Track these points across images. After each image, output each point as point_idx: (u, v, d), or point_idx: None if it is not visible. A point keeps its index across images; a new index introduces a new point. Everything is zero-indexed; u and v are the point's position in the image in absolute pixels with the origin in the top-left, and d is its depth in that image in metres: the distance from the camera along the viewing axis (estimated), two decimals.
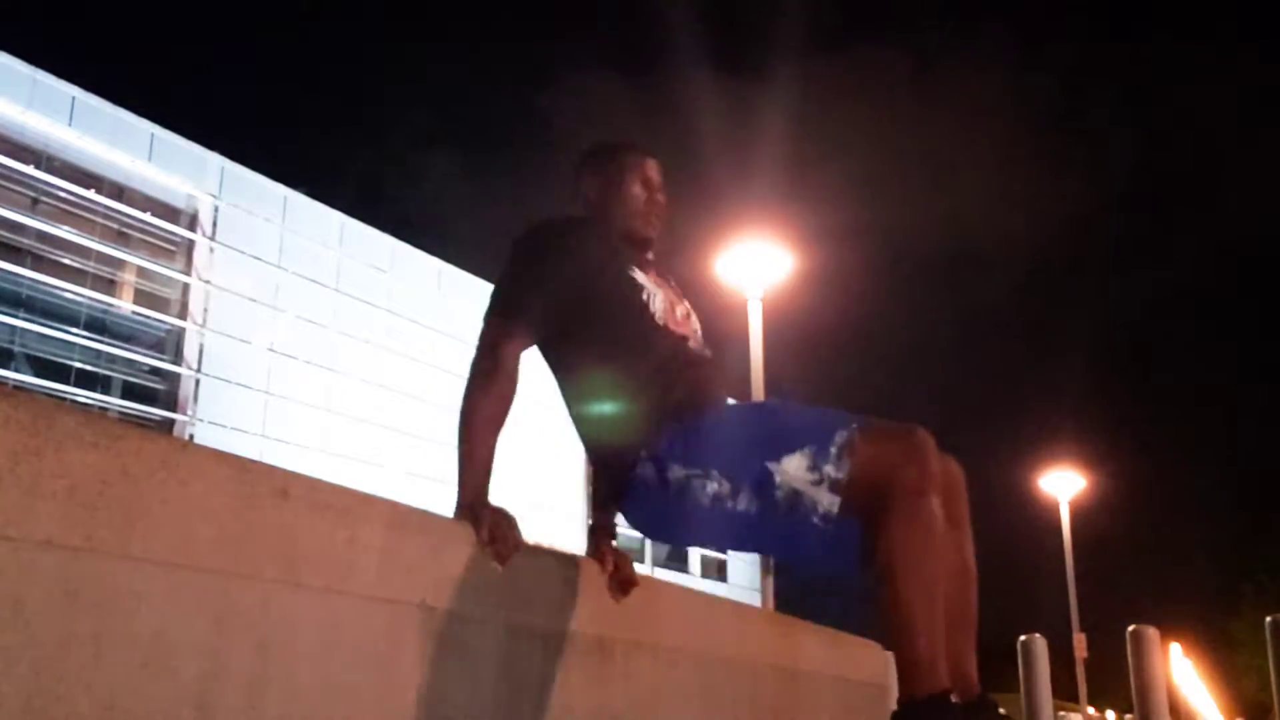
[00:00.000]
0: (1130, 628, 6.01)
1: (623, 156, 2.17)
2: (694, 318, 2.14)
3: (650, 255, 2.15)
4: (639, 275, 2.02)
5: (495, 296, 1.95)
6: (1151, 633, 5.96)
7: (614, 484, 1.98)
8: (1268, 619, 5.25)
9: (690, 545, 2.14)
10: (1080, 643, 21.28)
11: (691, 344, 2.05)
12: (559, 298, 1.93)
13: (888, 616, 1.72)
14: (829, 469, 1.75)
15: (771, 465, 1.77)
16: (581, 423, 2.02)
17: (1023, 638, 7.18)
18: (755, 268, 12.49)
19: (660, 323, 1.99)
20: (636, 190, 2.13)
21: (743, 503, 1.79)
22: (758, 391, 11.86)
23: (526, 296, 1.93)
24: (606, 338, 1.96)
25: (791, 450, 1.77)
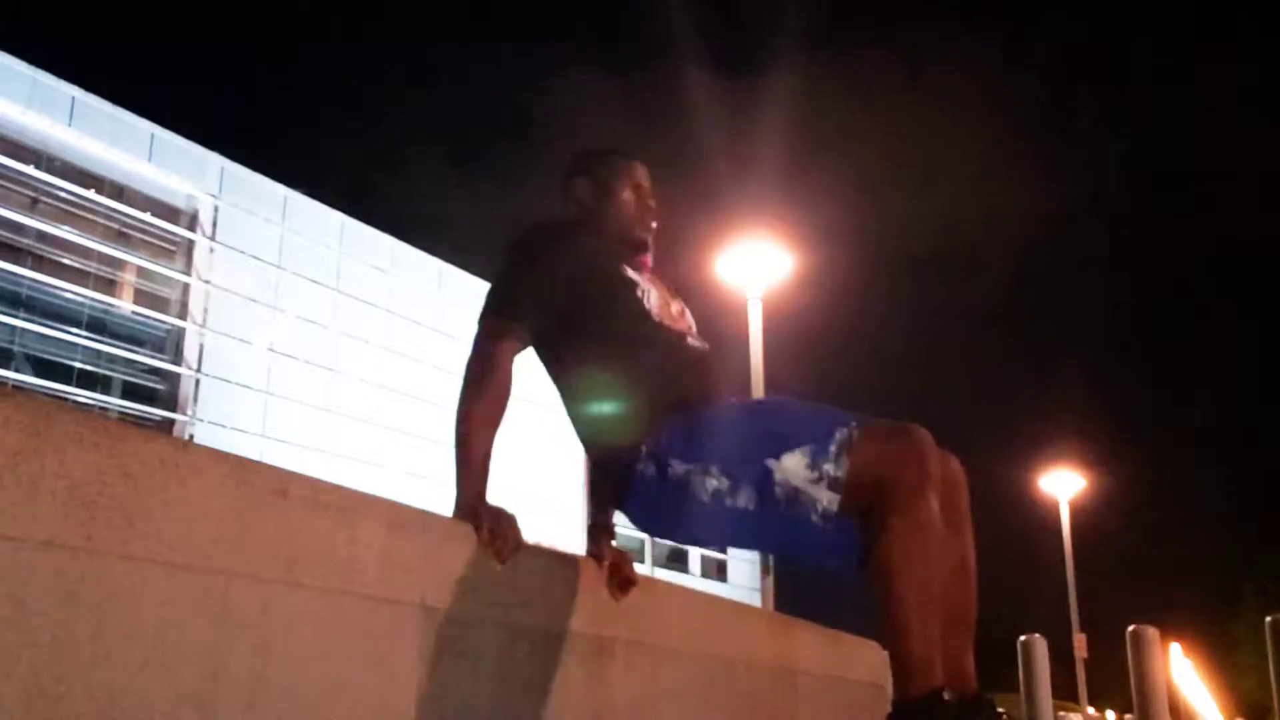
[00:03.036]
0: (1130, 628, 6.01)
1: (612, 162, 2.20)
2: (688, 314, 2.15)
3: (643, 257, 2.16)
4: (632, 273, 2.03)
5: (490, 297, 1.96)
6: (1151, 633, 5.97)
7: (614, 481, 1.99)
8: (1268, 619, 5.25)
9: (689, 542, 2.16)
10: (1080, 643, 21.28)
11: (689, 339, 2.05)
12: (554, 298, 1.94)
13: (883, 615, 1.72)
14: (828, 467, 1.75)
15: (771, 463, 1.78)
16: (580, 421, 2.02)
17: (1023, 638, 7.18)
18: (755, 268, 12.49)
19: (656, 319, 2.00)
20: (627, 195, 2.16)
21: (742, 499, 1.79)
22: (758, 391, 11.86)
23: (521, 297, 1.93)
24: (603, 335, 1.96)
25: (791, 448, 1.78)
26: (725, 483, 1.80)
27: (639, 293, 2.00)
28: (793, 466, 1.77)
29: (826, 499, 1.75)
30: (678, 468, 1.83)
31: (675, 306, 2.11)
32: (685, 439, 1.85)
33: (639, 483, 1.89)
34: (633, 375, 1.94)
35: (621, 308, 1.98)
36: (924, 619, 1.69)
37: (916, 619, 1.69)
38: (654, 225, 2.19)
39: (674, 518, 1.91)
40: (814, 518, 1.75)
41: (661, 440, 1.86)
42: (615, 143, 2.37)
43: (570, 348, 1.99)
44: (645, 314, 1.99)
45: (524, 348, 1.94)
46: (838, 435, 1.77)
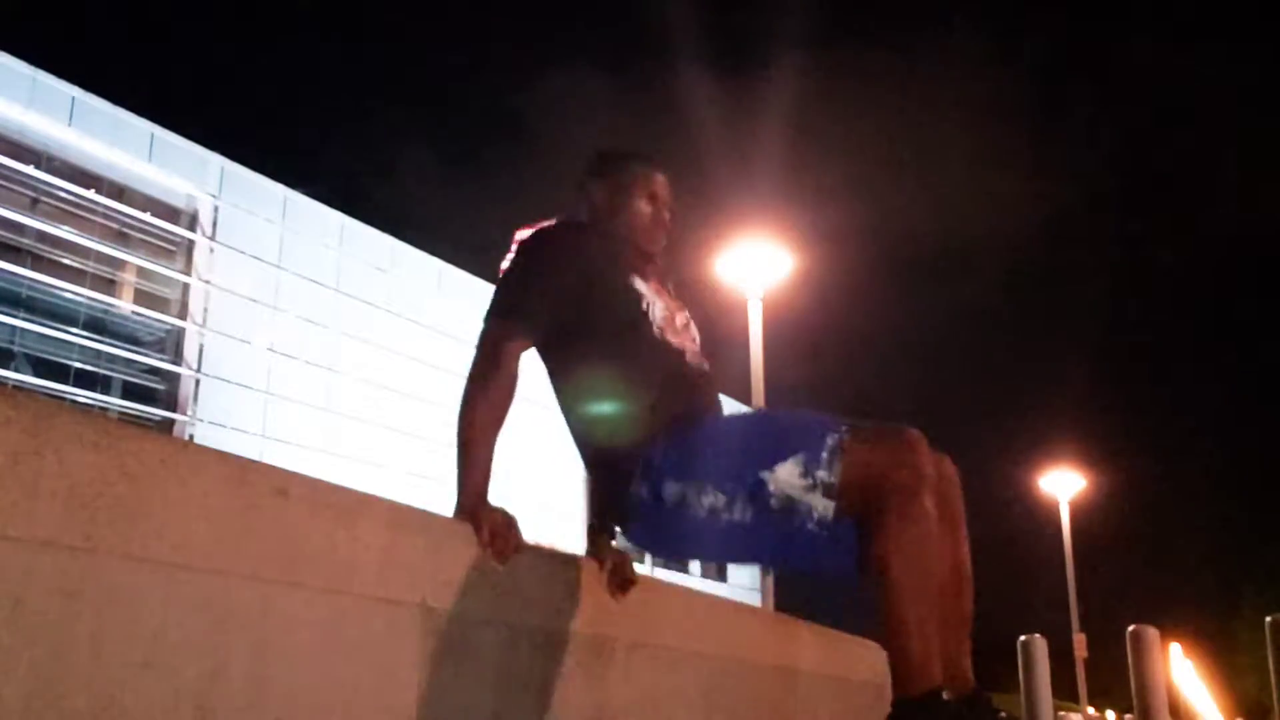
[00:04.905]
0: (1130, 628, 6.01)
1: (632, 168, 2.15)
2: (693, 327, 2.13)
3: (654, 267, 2.14)
4: (639, 284, 2.01)
5: (497, 297, 1.95)
6: (1151, 633, 5.97)
7: (609, 496, 1.98)
8: (1268, 619, 5.24)
9: (691, 559, 2.15)
10: (1080, 643, 21.29)
11: (689, 357, 2.03)
12: (560, 302, 1.93)
13: (883, 615, 1.72)
14: (821, 474, 1.75)
15: (764, 474, 1.77)
16: (577, 428, 2.02)
17: (1023, 638, 7.18)
18: (755, 268, 12.50)
19: (658, 334, 1.98)
20: (643, 205, 2.11)
21: (738, 513, 1.79)
22: (758, 391, 11.87)
23: (528, 298, 1.92)
24: (604, 345, 1.95)
25: (783, 458, 1.77)
26: (721, 498, 1.80)
27: (644, 305, 1.98)
28: (786, 476, 1.76)
29: (822, 506, 1.75)
30: (672, 488, 1.83)
31: (680, 320, 2.08)
32: (678, 458, 1.85)
33: (635, 505, 1.88)
34: (629, 388, 1.93)
35: (625, 319, 1.97)
36: (923, 618, 1.70)
37: (915, 618, 1.69)
38: (664, 240, 2.14)
39: (673, 538, 1.92)
40: (810, 525, 1.75)
41: (654, 461, 1.86)
42: (638, 146, 2.30)
43: (571, 354, 1.99)
44: (648, 327, 1.97)
45: (529, 348, 1.94)
46: (829, 441, 1.77)
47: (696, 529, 1.82)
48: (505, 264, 1.98)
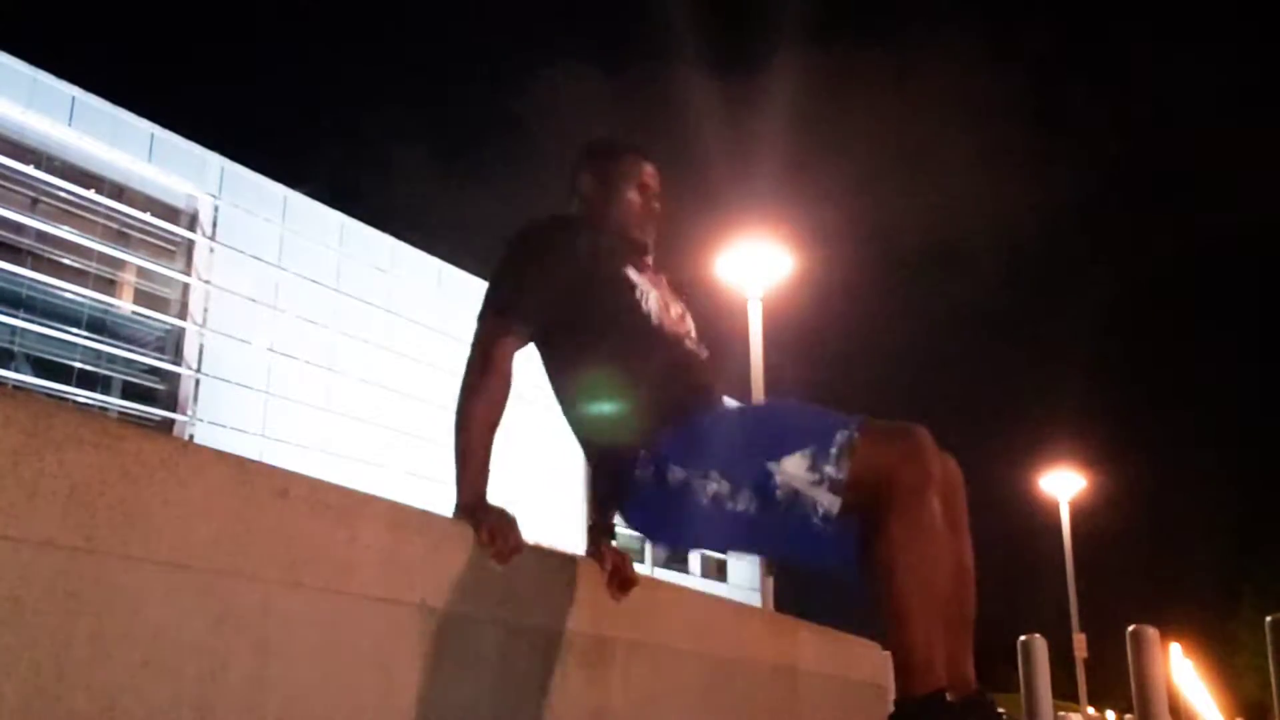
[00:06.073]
0: (1130, 628, 6.01)
1: (621, 159, 2.15)
2: (689, 318, 2.13)
3: (646, 257, 2.14)
4: (633, 274, 2.01)
5: (489, 296, 1.95)
6: (1151, 633, 5.97)
7: (613, 484, 1.98)
8: (1268, 619, 5.24)
9: (691, 547, 2.12)
10: (1080, 643, 21.27)
11: (687, 344, 2.04)
12: (554, 298, 1.92)
13: (886, 615, 1.71)
14: (829, 469, 1.74)
15: (771, 465, 1.77)
16: (578, 423, 2.01)
17: (1023, 638, 7.18)
18: (755, 268, 12.49)
19: (655, 322, 1.99)
20: (633, 196, 2.11)
21: (742, 503, 1.78)
22: (758, 391, 11.86)
23: (521, 296, 1.92)
24: (601, 338, 1.95)
25: (791, 451, 1.77)
26: (726, 486, 1.79)
27: (638, 295, 1.98)
28: (793, 469, 1.76)
29: (827, 501, 1.74)
30: (677, 473, 1.82)
31: (676, 310, 2.08)
32: (684, 444, 1.84)
33: (638, 489, 1.88)
34: (630, 378, 1.93)
35: (620, 310, 1.96)
36: (927, 619, 1.69)
37: (919, 619, 1.68)
38: (655, 231, 2.15)
39: (675, 523, 1.91)
40: (815, 520, 1.74)
41: (660, 446, 1.85)
42: (626, 136, 2.30)
43: (568, 348, 1.98)
44: (644, 317, 1.97)
45: (524, 346, 1.93)
46: (838, 437, 1.76)
47: (699, 515, 1.81)
48: (497, 263, 1.98)
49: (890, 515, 1.71)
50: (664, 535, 2.02)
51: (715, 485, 1.79)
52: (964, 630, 1.92)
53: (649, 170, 2.15)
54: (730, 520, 1.80)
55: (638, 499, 1.89)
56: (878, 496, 1.72)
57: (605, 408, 1.94)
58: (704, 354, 2.07)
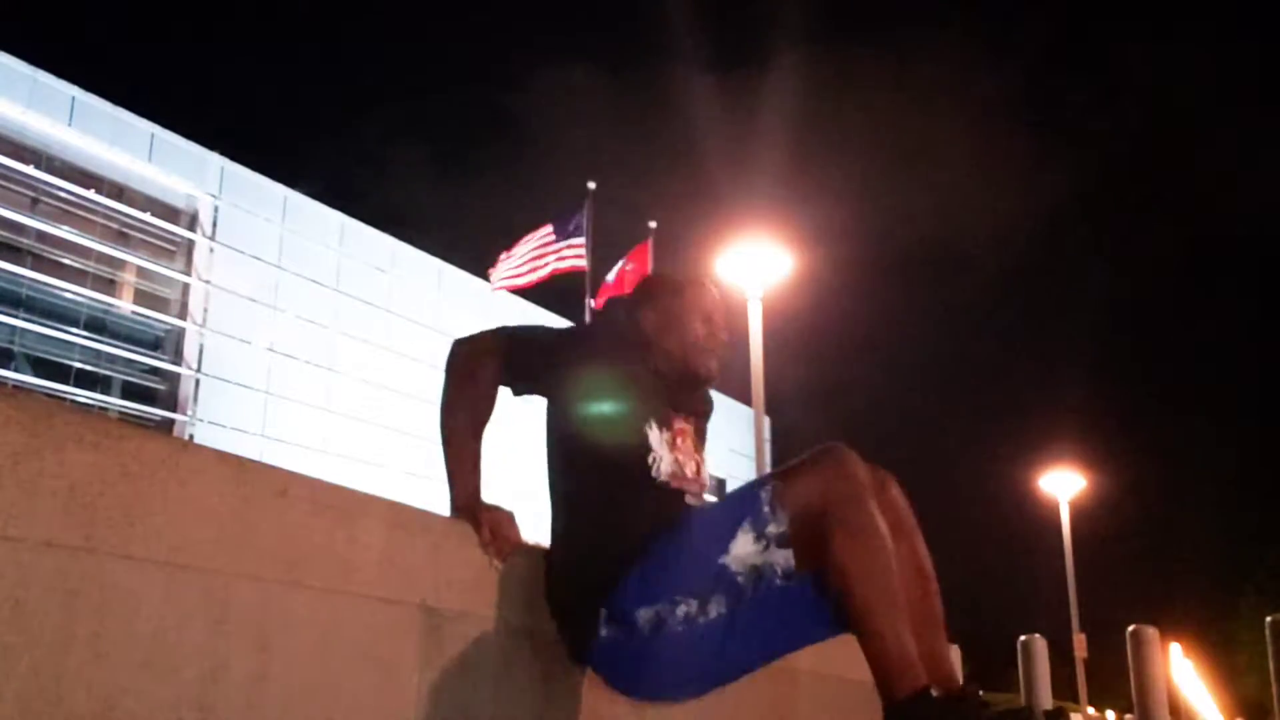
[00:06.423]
0: (1130, 628, 6.02)
1: (686, 292, 2.10)
2: (703, 469, 2.06)
3: (695, 393, 2.09)
4: (654, 434, 1.94)
5: (510, 329, 1.94)
6: (1151, 633, 5.97)
7: (573, 633, 1.87)
8: (1268, 619, 5.25)
9: (679, 696, 2.01)
10: (1080, 643, 21.26)
11: (688, 498, 1.97)
12: (549, 390, 1.92)
13: (853, 625, 1.71)
14: (770, 529, 1.72)
15: (724, 559, 1.74)
16: (554, 543, 1.95)
17: (1023, 638, 7.19)
18: (755, 268, 12.50)
19: (662, 480, 1.92)
20: (698, 327, 2.07)
21: (714, 609, 1.74)
22: (758, 391, 11.86)
23: (530, 358, 1.92)
24: (598, 483, 1.90)
25: (733, 535, 1.75)
26: (694, 603, 1.75)
27: (649, 460, 1.92)
28: (742, 550, 1.74)
29: (781, 558, 1.72)
30: (645, 614, 1.76)
31: (691, 467, 2.00)
32: (643, 584, 1.78)
33: (608, 649, 1.81)
34: (616, 518, 1.87)
35: (623, 465, 1.90)
36: (892, 620, 1.68)
37: (885, 621, 1.67)
38: (717, 364, 2.09)
39: (655, 667, 1.80)
40: (778, 581, 1.73)
41: (620, 600, 1.79)
42: (684, 271, 2.21)
43: (570, 480, 1.94)
44: (647, 479, 1.91)
45: (501, 382, 1.91)
46: (763, 495, 1.75)
47: (678, 648, 1.75)
48: (551, 329, 1.99)
49: (834, 530, 1.69)
50: (645, 686, 1.90)
51: (685, 607, 1.75)
52: (937, 629, 1.90)
53: (712, 298, 2.12)
54: (709, 636, 1.74)
55: (611, 659, 1.79)
56: (819, 524, 1.70)
57: (582, 538, 1.89)
58: (701, 492, 2.02)
